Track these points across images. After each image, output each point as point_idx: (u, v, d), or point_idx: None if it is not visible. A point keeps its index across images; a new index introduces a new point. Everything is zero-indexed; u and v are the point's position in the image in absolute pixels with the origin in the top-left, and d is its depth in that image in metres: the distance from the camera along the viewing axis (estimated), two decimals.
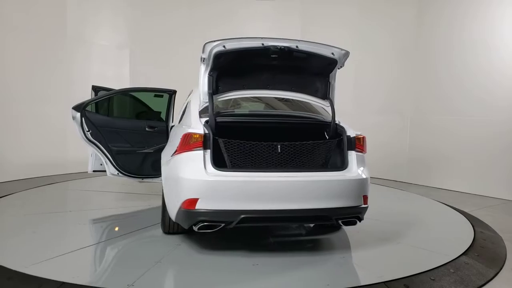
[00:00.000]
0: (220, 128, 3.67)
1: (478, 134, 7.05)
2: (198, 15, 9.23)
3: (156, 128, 5.11)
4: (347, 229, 4.45)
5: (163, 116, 5.38)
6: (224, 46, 3.54)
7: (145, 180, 5.27)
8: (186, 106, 4.53)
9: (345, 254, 3.91)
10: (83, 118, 4.87)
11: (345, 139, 3.81)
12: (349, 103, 8.48)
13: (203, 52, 3.61)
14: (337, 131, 3.94)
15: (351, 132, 3.88)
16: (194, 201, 3.35)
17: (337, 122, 3.98)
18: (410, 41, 8.15)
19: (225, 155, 3.57)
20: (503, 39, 6.80)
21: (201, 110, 3.87)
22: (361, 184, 3.66)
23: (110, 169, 5.05)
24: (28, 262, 3.41)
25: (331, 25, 8.80)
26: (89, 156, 5.34)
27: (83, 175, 7.38)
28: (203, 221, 3.39)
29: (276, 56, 3.66)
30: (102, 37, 8.93)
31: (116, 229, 4.62)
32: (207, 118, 3.69)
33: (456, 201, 6.28)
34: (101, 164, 5.27)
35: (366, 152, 3.92)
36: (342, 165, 3.77)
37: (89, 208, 5.62)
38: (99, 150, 5.01)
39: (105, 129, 5.00)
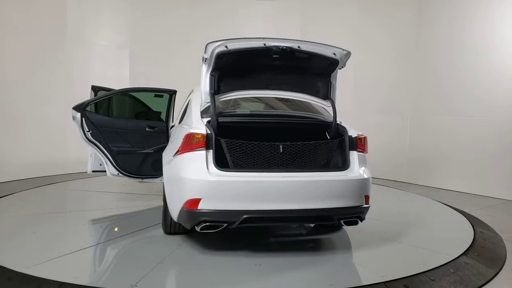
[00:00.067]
0: (221, 128, 3.67)
1: (478, 134, 7.06)
2: (198, 15, 9.23)
3: (156, 128, 5.11)
4: (348, 229, 4.45)
5: (163, 116, 5.38)
6: (226, 46, 3.54)
7: (145, 180, 5.27)
8: (186, 106, 4.53)
9: (347, 254, 3.92)
10: (83, 118, 4.87)
11: (347, 139, 3.82)
12: (349, 103, 8.48)
13: (205, 52, 3.61)
14: (338, 131, 3.95)
15: (352, 132, 3.89)
16: (196, 201, 3.35)
17: (338, 122, 3.99)
18: (410, 41, 8.15)
19: (227, 155, 3.58)
20: (503, 39, 6.80)
21: (202, 110, 3.87)
22: (363, 184, 3.67)
23: (110, 169, 5.05)
24: (29, 263, 3.40)
25: (331, 25, 8.81)
26: (89, 156, 5.35)
27: (83, 175, 7.37)
28: (205, 221, 3.40)
29: (278, 56, 3.67)
30: (102, 37, 8.93)
31: (116, 229, 4.62)
32: (209, 118, 3.70)
33: (456, 201, 6.29)
34: (101, 164, 5.27)
35: (367, 152, 3.93)
36: (344, 165, 3.78)
37: (89, 208, 5.62)
38: (99, 150, 5.00)
39: (105, 129, 4.99)
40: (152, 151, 5.03)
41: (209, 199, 3.35)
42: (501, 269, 3.64)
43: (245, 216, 3.37)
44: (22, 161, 7.57)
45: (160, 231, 4.34)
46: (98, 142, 4.97)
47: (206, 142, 3.48)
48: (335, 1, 8.87)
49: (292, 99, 4.33)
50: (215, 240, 4.04)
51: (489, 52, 6.95)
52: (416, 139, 8.11)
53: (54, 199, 6.12)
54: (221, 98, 3.89)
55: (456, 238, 4.40)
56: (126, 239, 4.17)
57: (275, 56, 3.66)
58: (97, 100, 5.24)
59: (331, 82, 4.05)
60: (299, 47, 3.65)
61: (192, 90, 4.62)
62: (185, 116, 4.25)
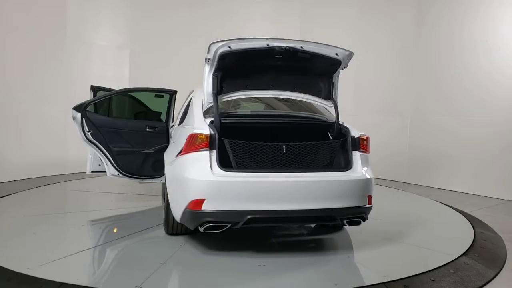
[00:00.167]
0: (224, 128, 3.67)
1: (478, 134, 7.06)
2: (198, 15, 9.23)
3: (156, 129, 5.10)
4: (349, 229, 4.45)
5: (163, 116, 5.37)
6: (229, 47, 3.55)
7: (145, 180, 5.26)
8: (187, 106, 4.52)
9: (349, 254, 3.93)
10: (83, 119, 4.86)
11: (350, 140, 3.82)
12: (349, 103, 8.48)
13: (208, 52, 3.61)
14: (341, 131, 3.95)
15: (355, 133, 3.89)
16: (200, 201, 3.35)
17: (340, 122, 3.99)
18: (410, 41, 8.15)
19: (231, 156, 3.58)
20: (503, 39, 6.80)
21: (204, 111, 3.87)
22: (366, 184, 3.68)
23: (110, 169, 5.04)
24: (30, 264, 3.38)
25: (331, 25, 8.81)
26: (88, 156, 5.34)
27: (83, 175, 7.36)
28: (209, 222, 3.39)
29: (281, 56, 3.67)
30: (102, 37, 8.93)
31: (115, 230, 4.61)
32: (212, 119, 3.69)
33: (456, 201, 6.28)
34: (100, 165, 5.26)
35: (369, 153, 3.94)
36: (346, 165, 3.79)
37: (89, 209, 5.62)
38: (99, 151, 4.99)
39: (106, 130, 4.98)
40: (152, 152, 5.02)
41: (213, 199, 3.35)
42: (501, 269, 3.63)
43: (249, 217, 3.37)
44: (22, 161, 7.57)
45: (161, 231, 4.33)
46: (99, 142, 4.96)
47: (209, 143, 3.47)
48: (335, 1, 8.87)
49: (292, 99, 4.33)
50: (218, 241, 4.03)
51: (489, 52, 6.95)
52: (416, 139, 8.11)
53: (54, 200, 6.12)
54: (224, 98, 3.89)
55: (456, 239, 4.40)
56: (128, 240, 4.16)
57: (278, 56, 3.67)
58: (97, 100, 5.24)
59: (333, 83, 4.06)
60: (302, 47, 3.65)
61: (193, 90, 4.61)
62: (187, 116, 4.23)
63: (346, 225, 3.79)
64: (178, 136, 4.07)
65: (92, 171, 5.42)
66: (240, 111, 4.35)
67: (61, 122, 7.96)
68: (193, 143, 3.51)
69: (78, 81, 8.14)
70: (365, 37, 8.50)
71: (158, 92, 5.28)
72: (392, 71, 8.42)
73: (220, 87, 3.80)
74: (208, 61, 3.69)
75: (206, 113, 3.85)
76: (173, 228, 4.10)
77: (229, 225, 3.42)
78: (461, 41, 7.33)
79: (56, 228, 4.58)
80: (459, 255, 3.82)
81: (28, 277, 3.16)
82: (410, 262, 3.71)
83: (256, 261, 3.57)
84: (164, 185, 5.91)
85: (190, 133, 3.57)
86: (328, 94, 4.07)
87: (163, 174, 4.77)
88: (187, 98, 4.89)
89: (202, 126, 3.63)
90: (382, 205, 5.45)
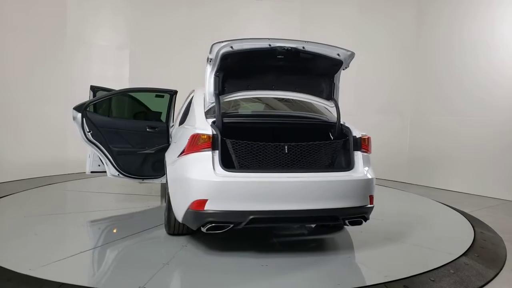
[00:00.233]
0: (226, 129, 3.67)
1: (478, 134, 7.06)
2: (198, 15, 9.23)
3: (156, 129, 5.10)
4: (350, 228, 4.45)
5: (163, 116, 5.37)
6: (231, 47, 3.55)
7: (145, 181, 5.27)
8: (188, 106, 4.52)
9: (351, 254, 3.94)
10: (84, 119, 4.86)
11: (351, 140, 3.83)
12: (349, 103, 8.47)
13: (210, 52, 3.61)
14: (342, 131, 3.96)
15: (356, 133, 3.90)
16: (203, 202, 3.35)
17: (341, 122, 4.00)
18: (410, 41, 8.15)
19: (233, 156, 3.58)
20: (503, 39, 6.80)
21: (206, 111, 3.88)
22: (368, 184, 3.69)
23: (111, 170, 5.04)
24: (31, 265, 3.37)
25: (331, 25, 8.81)
26: (87, 157, 5.34)
27: (83, 175, 7.35)
28: (212, 222, 3.40)
29: (282, 57, 3.68)
30: (102, 37, 8.93)
31: (114, 231, 4.60)
32: (213, 119, 3.69)
33: (456, 202, 6.28)
34: (99, 165, 5.26)
35: (371, 153, 3.95)
36: (348, 165, 3.79)
37: (90, 209, 5.61)
38: (99, 151, 4.99)
39: (106, 130, 4.98)
40: (152, 152, 5.02)
41: (216, 199, 3.35)
42: (501, 269, 3.63)
43: (251, 217, 3.38)
44: (22, 161, 7.57)
45: (162, 232, 4.33)
46: (99, 142, 4.96)
47: (212, 143, 3.47)
48: (335, 1, 8.86)
49: (292, 99, 4.34)
50: (219, 241, 4.03)
51: (489, 52, 6.95)
52: (416, 139, 8.11)
53: (54, 200, 6.12)
54: (226, 98, 3.89)
55: (456, 239, 4.40)
56: (129, 240, 4.15)
57: (280, 56, 3.67)
58: (98, 101, 5.23)
59: (334, 83, 4.06)
60: (303, 47, 3.66)
61: (193, 90, 4.61)
62: (188, 116, 4.23)
63: (348, 225, 3.80)
64: (180, 136, 4.07)
65: (91, 172, 5.42)
66: (241, 112, 4.35)
67: (61, 122, 7.96)
68: (195, 144, 3.51)
69: (78, 81, 8.14)
70: (365, 37, 8.50)
71: (159, 92, 5.28)
72: (392, 71, 8.42)
73: (221, 88, 3.81)
74: (210, 62, 3.69)
75: (207, 114, 3.85)
76: (174, 228, 4.10)
77: (231, 225, 3.42)
78: (461, 41, 7.33)
79: (57, 229, 4.57)
80: (459, 255, 3.82)
81: (28, 277, 3.16)
82: (410, 262, 3.71)
83: (258, 261, 3.57)
84: (163, 185, 5.95)
85: (192, 134, 3.57)
86: (330, 94, 4.08)
87: (163, 174, 4.79)
88: (187, 98, 4.89)
89: (204, 126, 3.63)
90: (383, 205, 5.44)
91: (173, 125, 5.20)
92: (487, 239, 4.43)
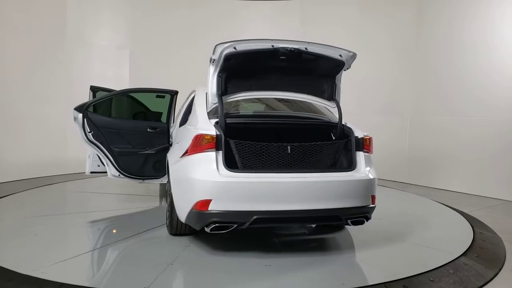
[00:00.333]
0: (228, 129, 3.68)
1: (478, 134, 7.06)
2: (198, 15, 9.24)
3: (157, 129, 5.10)
4: (350, 228, 4.47)
5: (164, 116, 5.37)
6: (234, 48, 3.56)
7: (146, 181, 5.27)
8: (189, 107, 4.51)
9: (352, 253, 3.96)
10: (85, 119, 4.86)
11: (353, 140, 3.85)
12: (349, 104, 8.46)
13: (213, 53, 3.62)
14: (344, 131, 3.97)
15: (358, 133, 3.92)
16: (207, 202, 3.36)
17: (343, 123, 4.01)
18: (410, 41, 8.15)
19: (237, 156, 3.59)
20: (503, 39, 6.80)
21: (209, 111, 3.88)
22: (369, 184, 3.71)
23: (111, 170, 5.04)
24: (32, 266, 3.36)
25: (331, 25, 8.81)
26: (87, 157, 5.34)
27: (83, 175, 7.33)
28: (216, 222, 3.41)
29: (285, 57, 3.69)
30: (102, 37, 8.94)
31: (114, 231, 4.60)
32: (216, 119, 3.70)
33: (455, 202, 6.29)
34: (99, 165, 5.26)
35: (372, 153, 3.96)
36: (350, 165, 3.81)
37: (90, 210, 5.61)
38: (100, 151, 4.99)
39: (107, 130, 4.98)
40: (153, 152, 5.02)
41: (220, 200, 3.36)
42: (500, 270, 3.64)
43: (255, 217, 3.39)
44: (22, 161, 7.58)
45: (164, 232, 4.33)
46: (100, 143, 4.95)
47: (216, 143, 3.48)
48: (335, 1, 8.87)
49: (292, 100, 4.35)
50: (222, 241, 4.03)
51: (489, 52, 6.95)
52: (416, 139, 8.12)
53: (54, 200, 6.12)
54: (228, 99, 3.90)
55: (455, 239, 4.40)
56: (131, 240, 4.14)
57: (282, 57, 3.69)
58: (99, 101, 5.23)
59: (335, 84, 4.08)
60: (306, 48, 3.67)
61: (194, 91, 4.62)
62: (190, 117, 4.23)
63: (350, 225, 3.82)
64: (183, 136, 4.06)
65: (91, 172, 5.43)
66: (243, 112, 4.37)
67: (61, 122, 7.97)
68: (199, 144, 3.52)
69: (78, 81, 8.15)
70: (365, 37, 8.50)
71: (160, 93, 5.28)
72: (392, 71, 8.42)
73: (224, 88, 3.82)
74: (213, 62, 3.70)
75: (210, 114, 3.86)
76: (177, 228, 4.10)
77: (235, 225, 3.43)
78: (461, 41, 7.33)
79: (57, 229, 4.57)
80: (458, 255, 3.83)
81: (29, 277, 3.16)
82: (410, 262, 3.71)
83: (261, 261, 3.58)
84: (163, 186, 5.95)
85: (196, 134, 3.58)
86: (331, 95, 4.10)
87: (164, 174, 4.79)
88: (187, 99, 4.89)
89: (207, 127, 3.63)
90: (383, 205, 5.44)
91: (173, 126, 5.20)
92: (487, 239, 4.43)
